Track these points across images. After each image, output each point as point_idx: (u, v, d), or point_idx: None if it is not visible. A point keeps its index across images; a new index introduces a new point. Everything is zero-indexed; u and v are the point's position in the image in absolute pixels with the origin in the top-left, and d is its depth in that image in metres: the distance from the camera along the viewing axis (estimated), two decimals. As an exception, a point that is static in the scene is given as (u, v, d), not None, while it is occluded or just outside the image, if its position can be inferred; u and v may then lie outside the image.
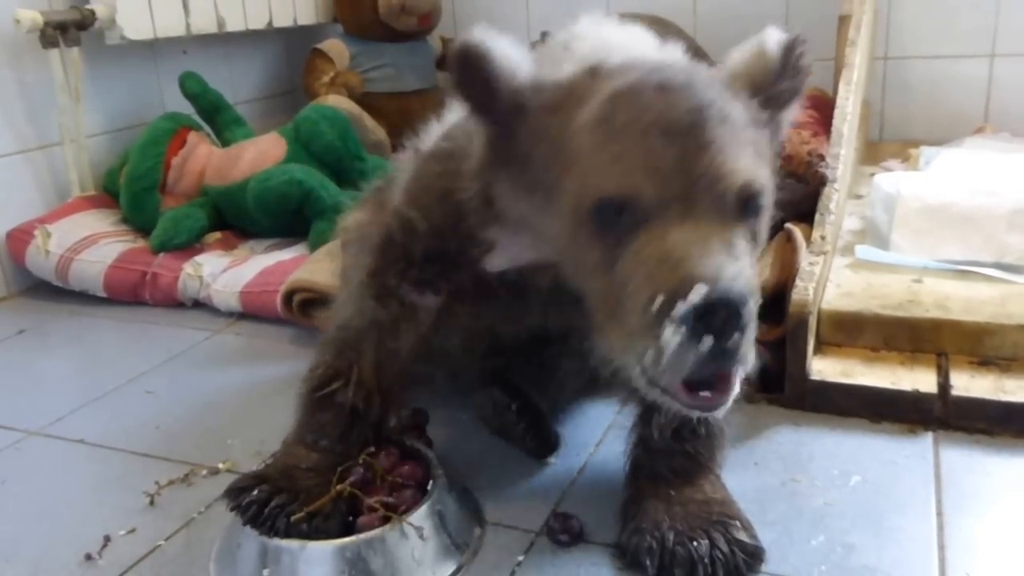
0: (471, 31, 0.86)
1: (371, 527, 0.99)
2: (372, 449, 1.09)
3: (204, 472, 1.24)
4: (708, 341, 0.75)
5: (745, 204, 0.82)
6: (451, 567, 1.01)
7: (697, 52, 2.42)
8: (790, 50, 0.91)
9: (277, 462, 1.10)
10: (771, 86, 0.91)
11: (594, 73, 0.88)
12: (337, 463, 1.07)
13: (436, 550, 1.01)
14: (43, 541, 1.11)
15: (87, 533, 1.11)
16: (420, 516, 1.01)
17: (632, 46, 0.94)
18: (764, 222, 0.88)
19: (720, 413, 0.84)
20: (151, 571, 1.04)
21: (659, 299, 0.76)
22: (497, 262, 1.05)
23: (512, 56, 0.88)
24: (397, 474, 1.07)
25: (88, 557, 1.07)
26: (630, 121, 0.82)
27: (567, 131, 0.86)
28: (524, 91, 0.88)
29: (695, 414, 0.86)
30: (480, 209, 0.98)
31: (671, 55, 0.96)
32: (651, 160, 0.80)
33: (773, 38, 0.92)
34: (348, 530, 1.00)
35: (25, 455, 1.33)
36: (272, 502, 1.00)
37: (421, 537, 0.99)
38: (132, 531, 1.12)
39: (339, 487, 1.03)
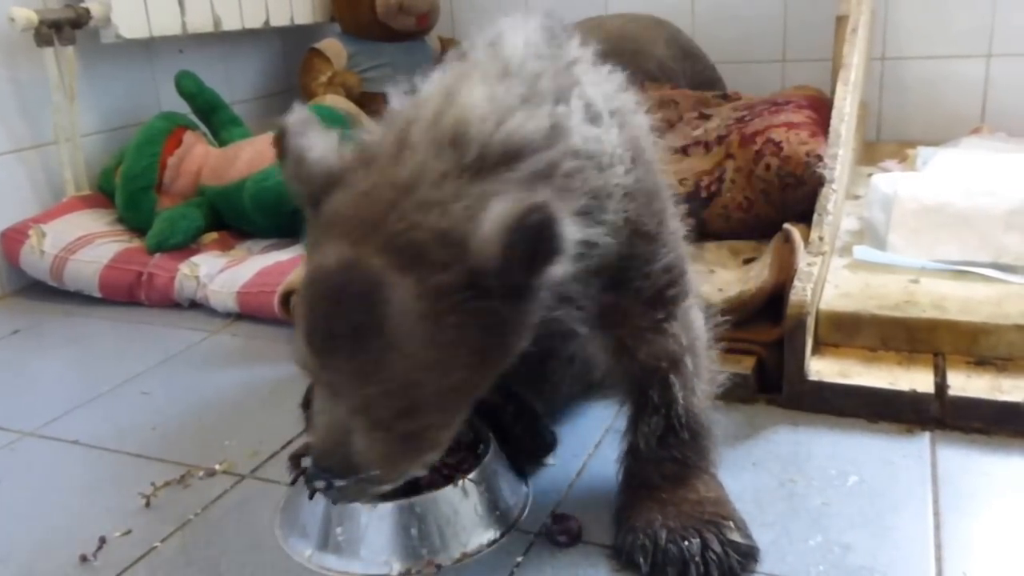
0: (288, 117, 0.91)
1: (433, 486, 1.04)
2: None
3: (201, 473, 1.24)
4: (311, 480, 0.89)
5: (384, 413, 0.85)
6: (507, 522, 1.07)
7: (688, 54, 2.44)
8: (516, 236, 0.76)
9: None
10: (491, 279, 0.79)
11: (330, 221, 0.86)
12: None
13: (492, 506, 1.07)
14: (38, 542, 1.11)
15: (82, 534, 1.11)
16: (477, 475, 1.07)
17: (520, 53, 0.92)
18: (430, 422, 0.88)
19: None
20: (147, 573, 1.04)
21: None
22: None
23: (307, 154, 0.89)
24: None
25: (83, 558, 1.07)
26: (300, 318, 0.85)
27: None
28: (311, 193, 0.89)
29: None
30: None
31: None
32: (303, 356, 0.85)
33: (494, 218, 0.77)
34: (408, 491, 1.04)
35: (19, 456, 1.33)
36: None
37: (478, 492, 1.06)
38: (128, 532, 1.11)
39: None
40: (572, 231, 0.80)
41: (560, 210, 0.77)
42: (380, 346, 0.80)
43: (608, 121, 0.94)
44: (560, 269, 0.81)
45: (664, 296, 1.03)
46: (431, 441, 0.90)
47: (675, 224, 1.06)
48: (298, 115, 0.91)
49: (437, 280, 0.79)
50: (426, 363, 0.82)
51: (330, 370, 0.83)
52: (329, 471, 0.87)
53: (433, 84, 0.93)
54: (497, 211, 0.77)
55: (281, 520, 1.11)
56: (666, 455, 1.05)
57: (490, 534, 1.05)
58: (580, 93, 0.93)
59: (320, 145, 0.90)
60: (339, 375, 0.83)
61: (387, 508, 1.02)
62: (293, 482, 1.10)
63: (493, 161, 0.83)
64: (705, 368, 1.09)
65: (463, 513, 1.04)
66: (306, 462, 0.91)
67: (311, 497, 1.04)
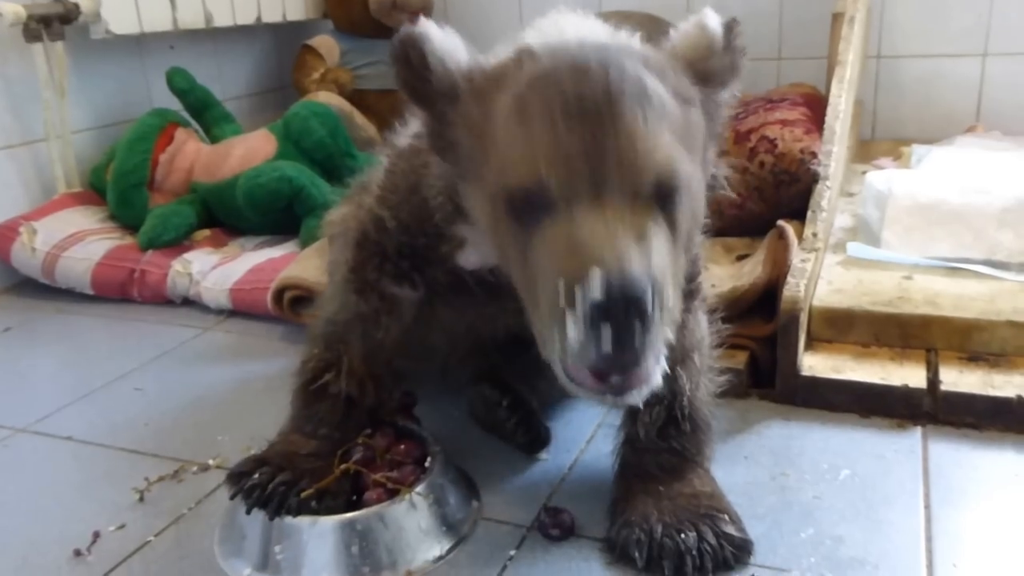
0: (415, 25, 0.87)
1: (378, 501, 1.02)
2: (369, 431, 1.11)
3: (194, 468, 1.24)
4: (607, 331, 0.73)
5: (660, 192, 0.79)
6: (454, 537, 1.05)
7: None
8: (728, 29, 0.90)
9: (276, 447, 1.11)
10: (707, 63, 0.89)
11: (520, 58, 0.86)
12: (336, 448, 1.08)
13: (440, 521, 1.04)
14: (31, 537, 1.10)
15: (76, 529, 1.11)
16: (424, 488, 1.04)
17: (583, 34, 0.91)
18: (686, 209, 0.83)
19: (635, 400, 0.81)
20: (141, 567, 1.04)
21: (561, 288, 0.75)
22: (470, 260, 1.05)
23: (447, 44, 0.88)
24: (395, 452, 1.10)
25: (77, 553, 1.06)
26: (541, 107, 0.80)
27: (488, 118, 0.85)
28: (456, 77, 0.87)
29: (608, 400, 0.83)
30: (446, 206, 0.98)
31: (619, 38, 0.92)
32: (558, 147, 0.78)
33: (711, 17, 0.90)
34: (352, 509, 1.02)
35: (12, 452, 1.32)
36: (276, 479, 1.02)
37: (425, 508, 1.03)
38: (122, 527, 1.11)
39: (344, 465, 1.05)
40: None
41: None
42: (646, 104, 0.79)
43: None
44: (730, 91, 0.93)
45: (685, 289, 1.02)
46: (685, 256, 0.88)
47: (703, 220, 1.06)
48: (423, 22, 0.88)
49: (668, 64, 0.87)
50: (677, 131, 0.82)
51: (604, 138, 0.77)
52: (636, 293, 0.72)
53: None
54: (710, 20, 0.90)
55: (220, 537, 1.08)
56: (665, 446, 1.06)
57: (436, 550, 1.02)
58: None
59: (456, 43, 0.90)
60: (616, 141, 0.77)
61: (328, 525, 1.00)
62: (232, 497, 1.04)
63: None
64: (709, 366, 1.11)
65: (407, 529, 1.01)
66: (594, 285, 0.72)
67: (248, 511, 1.01)
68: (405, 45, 0.87)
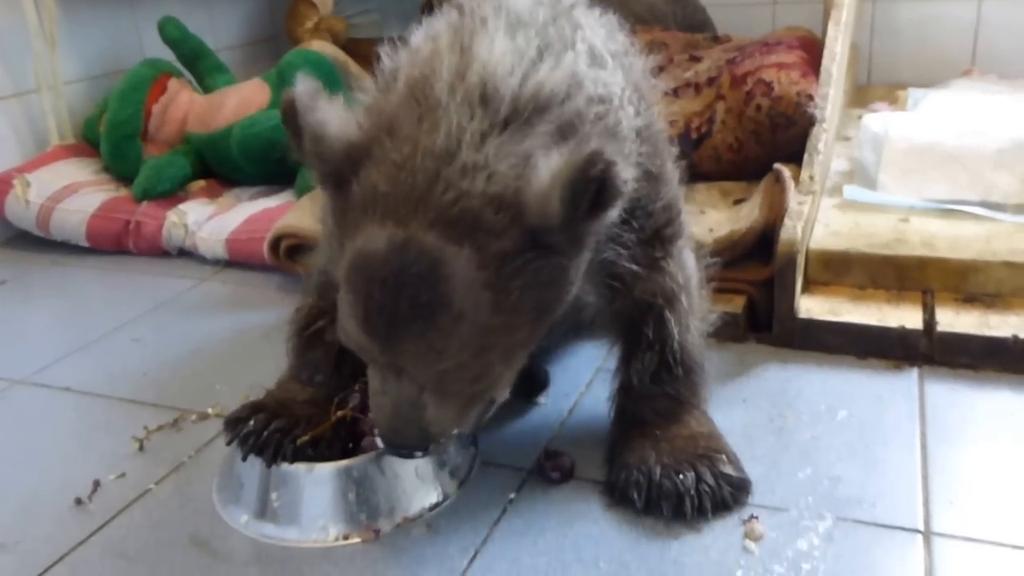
0: (295, 91, 0.83)
1: (374, 447, 1.02)
2: (365, 379, 1.10)
3: (193, 417, 1.24)
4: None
5: (452, 383, 0.85)
6: (452, 484, 1.05)
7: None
8: (577, 188, 0.76)
9: (273, 394, 1.11)
10: (552, 235, 0.80)
11: (369, 201, 0.81)
12: (332, 395, 1.08)
13: (436, 468, 1.04)
14: (32, 487, 1.11)
15: (76, 478, 1.11)
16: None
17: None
18: (496, 380, 0.88)
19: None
20: (142, 514, 1.05)
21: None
22: None
23: (323, 128, 0.82)
24: None
25: (78, 501, 1.07)
26: (353, 302, 0.81)
27: (343, 252, 0.85)
28: (335, 170, 0.84)
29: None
30: None
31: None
32: (360, 339, 0.83)
33: (549, 174, 0.77)
34: (349, 456, 1.03)
35: (10, 403, 1.33)
36: (272, 426, 1.03)
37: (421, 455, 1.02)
38: (122, 476, 1.12)
39: (341, 412, 1.06)
40: (627, 172, 0.80)
41: (614, 154, 0.76)
42: (449, 321, 0.78)
43: (611, 64, 0.93)
44: (615, 212, 0.82)
45: (662, 234, 1.03)
46: (497, 390, 0.90)
47: (672, 164, 1.06)
48: (304, 87, 0.83)
49: (496, 247, 0.78)
50: (495, 327, 0.81)
51: (395, 353, 0.81)
52: (406, 447, 0.88)
53: (431, 39, 0.89)
54: (550, 166, 0.76)
55: (218, 485, 1.09)
56: (659, 391, 1.06)
57: (432, 497, 1.03)
58: (583, 37, 0.91)
59: (335, 118, 0.84)
60: (408, 355, 0.81)
61: (324, 473, 1.00)
62: (228, 443, 1.05)
63: (526, 115, 0.81)
64: (698, 307, 1.10)
65: (403, 477, 1.02)
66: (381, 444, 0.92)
67: (244, 458, 1.02)
68: (285, 115, 0.84)
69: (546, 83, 0.83)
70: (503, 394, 0.92)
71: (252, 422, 1.03)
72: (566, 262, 0.83)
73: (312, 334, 1.10)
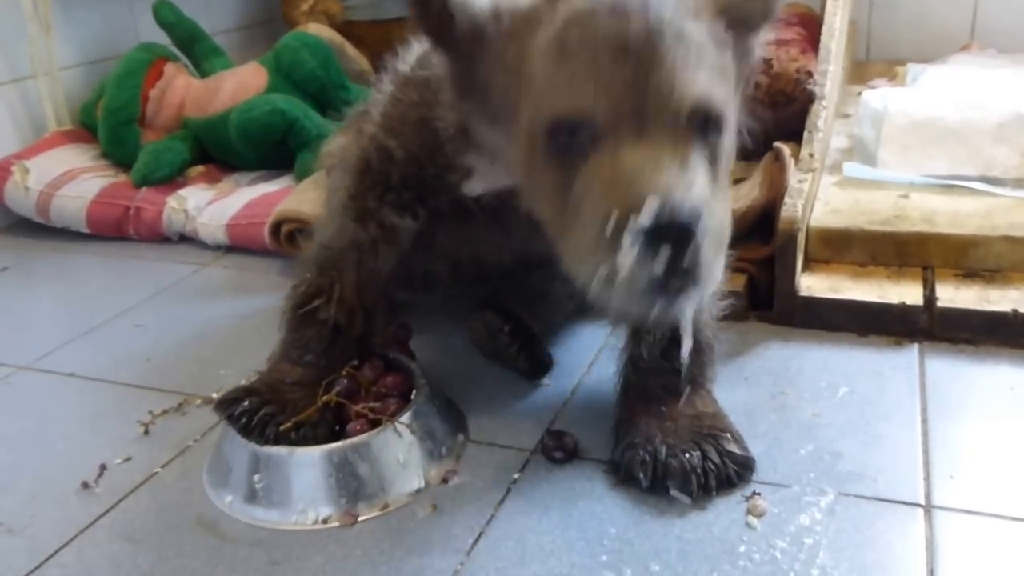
0: None
1: (360, 432, 1.02)
2: (356, 362, 1.11)
3: (198, 402, 1.25)
4: (660, 259, 0.75)
5: (700, 123, 0.81)
6: (435, 471, 1.05)
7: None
8: None
9: (264, 377, 1.12)
10: (740, 9, 0.89)
11: None
12: (322, 377, 1.09)
13: (421, 455, 1.04)
14: (39, 471, 1.12)
15: (83, 463, 1.12)
16: (405, 420, 1.04)
17: None
18: (724, 143, 0.86)
19: (677, 315, 0.83)
20: (149, 497, 1.05)
21: (612, 217, 0.76)
22: (475, 187, 1.05)
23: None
24: (381, 385, 1.10)
25: (85, 485, 1.08)
26: (582, 42, 0.81)
27: (523, 57, 0.85)
28: (481, 19, 0.87)
29: (655, 315, 0.82)
30: (457, 138, 0.98)
31: None
32: (602, 80, 0.79)
33: None
34: (336, 439, 1.03)
35: (15, 389, 1.33)
36: (261, 411, 1.03)
37: (405, 441, 1.03)
38: (128, 459, 1.13)
39: (325, 397, 1.06)
40: None
41: None
42: (685, 37, 0.81)
43: None
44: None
45: None
46: (723, 180, 0.88)
47: None
48: None
49: (702, 6, 0.86)
50: (715, 63, 0.84)
51: (646, 71, 0.78)
52: (695, 216, 0.74)
53: None
54: None
55: (208, 466, 1.10)
56: (668, 367, 1.06)
57: (415, 483, 1.03)
58: None
59: None
60: (657, 74, 0.78)
61: (305, 456, 1.01)
62: (220, 421, 1.07)
63: None
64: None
65: (384, 462, 1.02)
66: (647, 213, 0.73)
67: (240, 433, 1.02)
68: None
69: None
70: (728, 185, 0.92)
71: (247, 402, 1.04)
72: (744, 46, 0.92)
73: (307, 312, 1.11)
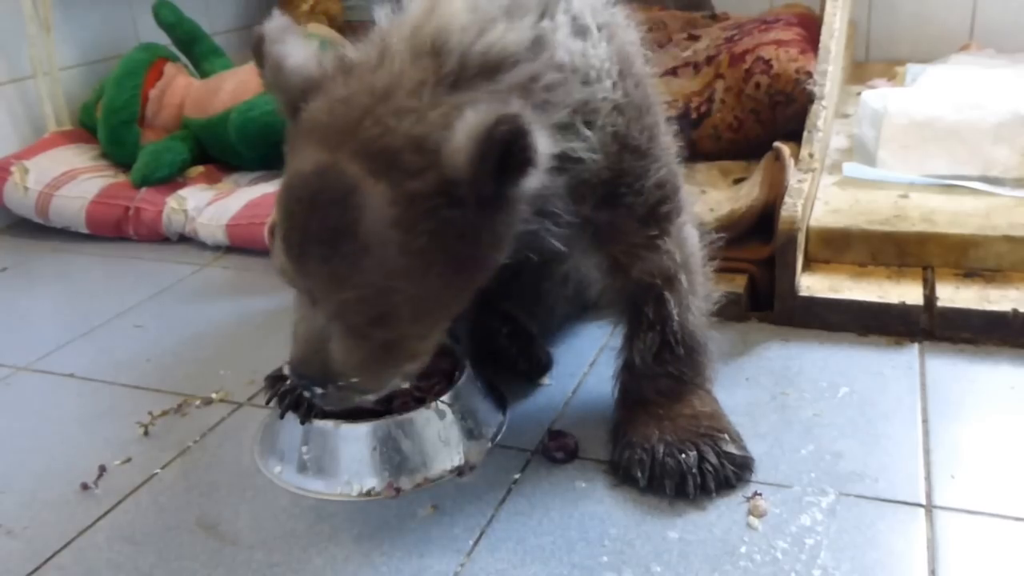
0: (266, 24, 0.90)
1: (404, 409, 1.06)
2: None
3: (197, 403, 1.25)
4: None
5: (361, 318, 0.85)
6: (476, 448, 1.08)
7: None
8: (486, 147, 0.76)
9: None
10: (464, 188, 0.79)
11: (308, 127, 0.86)
12: None
13: (461, 433, 1.08)
14: (38, 473, 1.12)
15: (82, 464, 1.12)
16: (448, 399, 1.08)
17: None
18: (406, 332, 0.89)
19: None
20: (149, 498, 1.05)
21: None
22: None
23: (285, 61, 0.88)
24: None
25: (84, 487, 1.08)
26: (278, 221, 0.86)
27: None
28: (289, 100, 0.89)
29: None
30: None
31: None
32: (281, 261, 0.86)
33: (465, 127, 0.77)
34: (380, 416, 1.06)
35: (14, 390, 1.33)
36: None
37: (447, 419, 1.07)
38: (127, 461, 1.12)
39: None
40: (545, 144, 0.79)
41: (532, 122, 0.77)
42: (354, 250, 0.80)
43: (596, 35, 0.93)
44: (534, 181, 0.81)
45: (657, 213, 1.03)
46: (409, 351, 0.90)
47: (667, 140, 1.05)
48: (276, 22, 0.90)
49: (410, 186, 0.79)
50: (399, 270, 0.82)
51: (306, 275, 0.84)
52: (308, 377, 0.88)
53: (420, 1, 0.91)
54: (469, 120, 0.77)
55: (260, 438, 1.14)
56: (661, 371, 1.06)
57: (456, 459, 1.06)
58: (567, 7, 0.91)
59: (299, 52, 0.89)
60: (315, 280, 0.84)
61: (350, 430, 1.05)
62: (268, 402, 1.12)
63: (472, 72, 0.83)
64: (700, 285, 1.09)
65: (427, 438, 1.05)
66: (285, 371, 0.93)
67: (282, 416, 1.07)
68: (254, 45, 0.90)
69: (498, 43, 0.84)
70: (415, 365, 0.92)
71: (290, 380, 1.06)
72: (479, 221, 0.83)
73: None
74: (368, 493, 1.03)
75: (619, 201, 0.99)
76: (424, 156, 0.79)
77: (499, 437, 1.11)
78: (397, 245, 0.81)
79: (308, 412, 1.06)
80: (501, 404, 1.17)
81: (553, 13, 0.90)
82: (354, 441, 1.05)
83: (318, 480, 1.05)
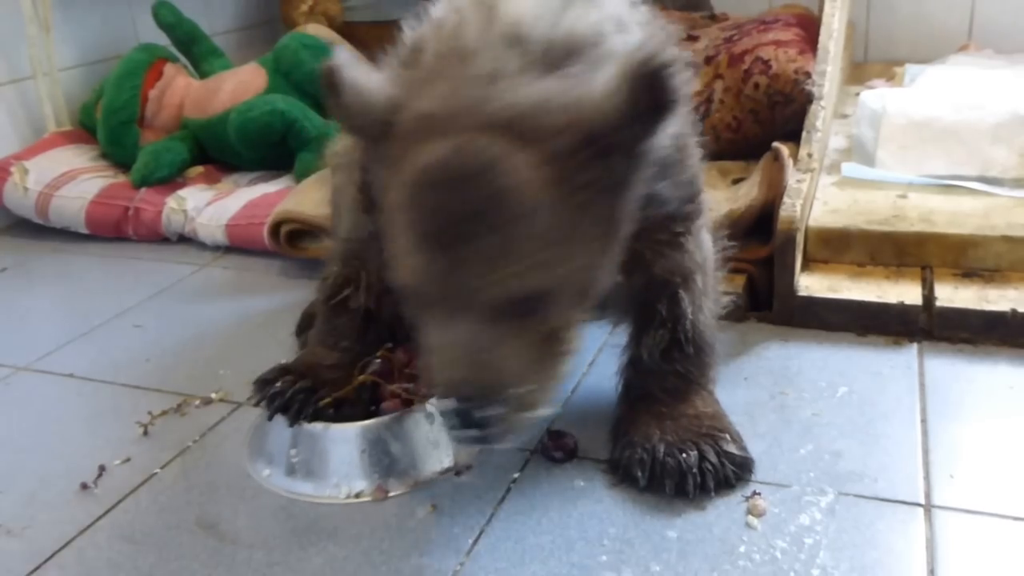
0: (334, 56, 0.86)
1: (393, 411, 1.06)
2: (390, 345, 1.14)
3: (197, 402, 1.25)
4: (461, 430, 0.82)
5: (516, 308, 0.80)
6: (464, 451, 1.07)
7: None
8: (640, 83, 0.77)
9: (300, 359, 1.16)
10: (613, 135, 0.79)
11: (419, 125, 0.82)
12: (357, 360, 1.12)
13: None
14: (38, 472, 1.12)
15: (82, 464, 1.12)
16: (436, 402, 1.06)
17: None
18: (556, 313, 0.83)
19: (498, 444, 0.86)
20: (149, 498, 1.05)
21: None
22: None
23: (363, 85, 0.85)
24: (414, 366, 1.13)
25: (84, 486, 1.08)
26: (413, 221, 0.81)
27: (389, 189, 0.85)
28: (373, 120, 0.86)
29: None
30: None
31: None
32: (421, 265, 0.81)
33: (618, 68, 0.78)
34: (371, 418, 1.07)
35: (14, 390, 1.33)
36: (296, 387, 1.07)
37: (436, 421, 1.06)
38: (127, 460, 1.13)
39: (361, 376, 1.09)
40: (685, 79, 0.79)
41: (673, 55, 0.77)
42: (507, 219, 0.77)
43: (636, 31, 0.93)
44: (673, 125, 0.83)
45: (684, 210, 1.03)
46: (566, 342, 0.86)
47: (694, 139, 1.06)
48: (343, 55, 0.86)
49: (554, 145, 0.78)
50: (554, 236, 0.79)
51: (457, 265, 0.78)
52: (480, 397, 0.80)
53: (455, 10, 0.90)
54: (618, 64, 0.77)
55: (250, 441, 1.14)
56: (668, 368, 1.07)
57: (445, 462, 1.06)
58: (605, 3, 0.92)
59: (372, 75, 0.87)
60: (467, 268, 0.78)
61: (339, 432, 1.05)
62: (257, 404, 1.11)
63: (558, 56, 0.82)
64: (712, 287, 1.10)
65: (416, 440, 1.05)
66: (443, 404, 0.82)
67: (270, 418, 1.07)
68: (327, 87, 0.86)
69: (577, 26, 0.85)
70: (570, 353, 0.88)
71: (279, 383, 1.08)
72: (624, 172, 0.82)
73: (339, 302, 1.14)
74: (357, 496, 1.03)
75: (657, 193, 0.97)
76: (562, 113, 0.78)
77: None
78: (549, 208, 0.78)
79: (298, 415, 1.05)
80: None
81: (601, 6, 0.90)
82: (343, 443, 1.04)
83: (307, 483, 1.05)
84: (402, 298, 0.86)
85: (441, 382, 0.81)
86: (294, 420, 1.06)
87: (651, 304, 1.06)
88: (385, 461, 1.04)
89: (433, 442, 1.06)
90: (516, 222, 0.77)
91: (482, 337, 0.80)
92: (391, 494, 1.02)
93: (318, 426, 1.05)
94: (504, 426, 0.81)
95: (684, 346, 1.07)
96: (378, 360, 1.12)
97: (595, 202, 0.81)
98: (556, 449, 1.06)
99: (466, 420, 0.80)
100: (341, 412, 1.07)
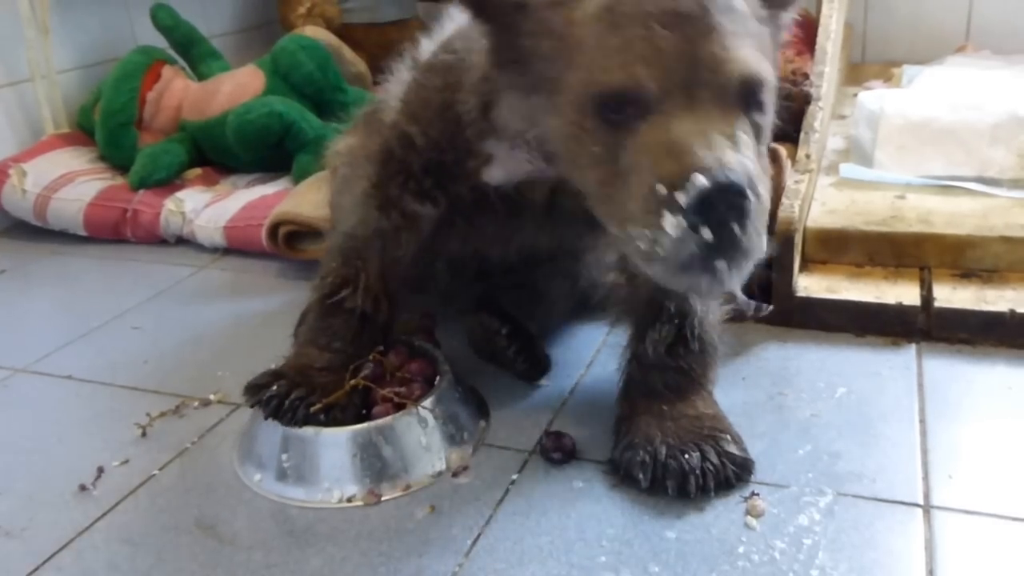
0: None
1: (384, 415, 1.05)
2: (382, 348, 1.14)
3: (195, 404, 1.25)
4: (712, 226, 0.76)
5: (747, 95, 0.82)
6: (456, 455, 1.07)
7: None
8: None
9: (291, 362, 1.14)
10: None
11: None
12: (349, 363, 1.11)
13: (443, 438, 1.07)
14: (36, 474, 1.12)
15: (80, 465, 1.12)
16: (429, 404, 1.07)
17: None
18: (768, 117, 0.86)
19: (716, 295, 0.84)
20: (147, 500, 1.05)
21: (661, 188, 0.77)
22: (495, 175, 1.05)
23: None
24: (406, 370, 1.13)
25: (82, 488, 1.08)
26: (632, 10, 0.81)
27: (570, 24, 0.85)
28: None
29: (703, 287, 0.83)
30: (479, 121, 0.99)
31: None
32: (653, 50, 0.80)
33: None
34: (362, 422, 1.06)
35: (12, 391, 1.33)
36: (291, 395, 1.06)
37: (428, 424, 1.06)
38: (125, 462, 1.12)
39: (353, 381, 1.08)
40: None
41: None
42: (735, 7, 0.82)
43: None
44: None
45: None
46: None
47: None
48: None
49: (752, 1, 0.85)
50: (762, 44, 0.85)
51: (700, 34, 0.79)
52: (742, 186, 0.76)
53: None
54: None
55: (240, 445, 1.13)
56: (672, 364, 1.07)
57: (438, 465, 1.06)
58: None
59: None
60: (709, 40, 0.79)
61: (330, 437, 1.04)
62: (251, 407, 1.09)
63: None
64: None
65: (407, 444, 1.05)
66: (696, 185, 0.75)
67: (266, 418, 1.06)
68: None
69: None
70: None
71: (274, 388, 1.06)
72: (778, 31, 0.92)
73: (335, 302, 1.13)
74: (349, 500, 1.02)
75: None
76: None
77: (481, 443, 1.11)
78: (758, 35, 0.85)
79: (290, 420, 1.04)
80: (482, 409, 1.17)
81: None
82: (334, 448, 1.04)
83: (298, 488, 1.04)
84: (613, 106, 0.82)
85: (707, 163, 0.76)
86: (287, 425, 1.04)
87: (659, 300, 1.07)
88: (377, 465, 1.03)
89: (425, 446, 1.05)
90: (739, 14, 0.82)
91: (729, 124, 0.79)
92: (383, 498, 1.02)
93: (309, 431, 1.04)
94: (747, 245, 0.78)
95: (690, 342, 1.07)
96: (370, 363, 1.11)
97: (765, 34, 0.86)
98: (555, 450, 1.06)
99: (723, 217, 0.76)
100: (330, 416, 1.06)
